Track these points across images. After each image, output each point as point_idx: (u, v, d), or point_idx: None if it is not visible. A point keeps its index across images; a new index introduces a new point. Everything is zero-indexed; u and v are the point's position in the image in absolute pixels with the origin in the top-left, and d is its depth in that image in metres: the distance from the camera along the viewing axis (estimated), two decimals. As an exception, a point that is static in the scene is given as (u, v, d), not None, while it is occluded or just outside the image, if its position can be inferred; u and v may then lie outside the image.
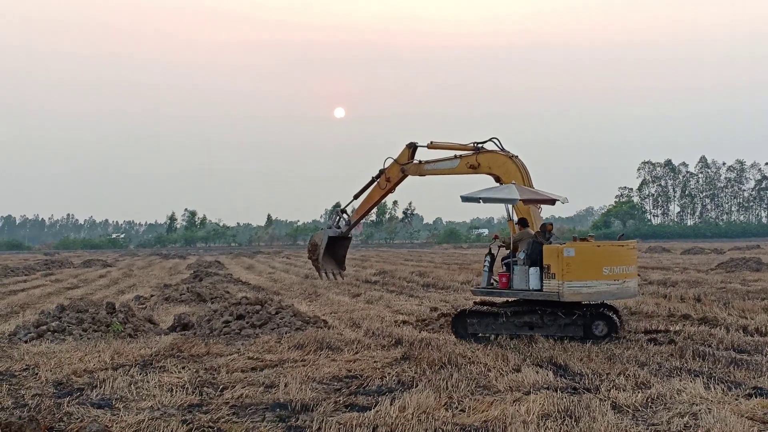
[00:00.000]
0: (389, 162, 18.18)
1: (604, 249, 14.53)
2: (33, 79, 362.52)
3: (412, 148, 18.04)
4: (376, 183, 18.47)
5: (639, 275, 14.74)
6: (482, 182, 16.80)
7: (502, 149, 16.71)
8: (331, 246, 19.00)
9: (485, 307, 15.45)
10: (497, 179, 16.51)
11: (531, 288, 14.64)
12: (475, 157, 16.72)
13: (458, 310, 16.86)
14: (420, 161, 17.91)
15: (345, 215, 19.28)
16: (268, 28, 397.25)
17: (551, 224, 15.40)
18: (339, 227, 19.21)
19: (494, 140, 16.77)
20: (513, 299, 15.36)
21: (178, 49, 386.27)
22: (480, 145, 16.83)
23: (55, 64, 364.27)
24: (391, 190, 18.55)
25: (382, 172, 18.33)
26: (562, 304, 14.40)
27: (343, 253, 19.38)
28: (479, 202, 15.10)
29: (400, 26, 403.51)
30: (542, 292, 14.42)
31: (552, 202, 15.90)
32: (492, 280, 15.73)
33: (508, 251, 15.63)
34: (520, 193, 14.99)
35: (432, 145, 17.67)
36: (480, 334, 15.06)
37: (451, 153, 17.35)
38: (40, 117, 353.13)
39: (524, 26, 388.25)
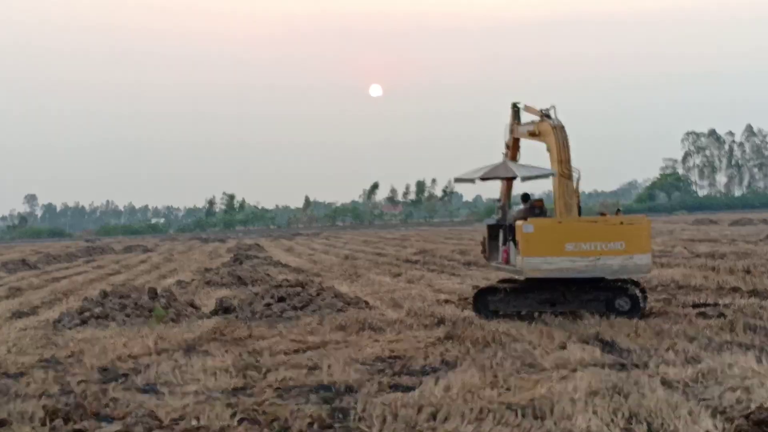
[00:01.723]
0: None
1: (566, 225, 14.34)
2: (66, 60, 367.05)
3: (515, 108, 17.80)
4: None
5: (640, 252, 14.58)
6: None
7: (551, 117, 16.44)
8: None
9: (505, 285, 15.34)
10: (547, 148, 16.35)
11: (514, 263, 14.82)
12: (537, 126, 16.45)
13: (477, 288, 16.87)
14: (520, 123, 17.75)
15: (498, 202, 19.23)
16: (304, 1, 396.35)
17: (541, 200, 15.52)
18: (498, 214, 19.15)
19: (551, 108, 16.49)
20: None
21: (208, 23, 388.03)
22: (546, 113, 16.57)
23: (87, 42, 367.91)
24: (514, 157, 18.20)
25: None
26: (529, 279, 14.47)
27: None
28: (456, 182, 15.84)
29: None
30: (515, 268, 14.54)
31: (510, 178, 15.85)
32: None
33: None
34: (487, 172, 15.45)
35: (526, 109, 17.48)
36: (501, 312, 14.92)
37: (530, 118, 17.15)
38: (77, 102, 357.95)
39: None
